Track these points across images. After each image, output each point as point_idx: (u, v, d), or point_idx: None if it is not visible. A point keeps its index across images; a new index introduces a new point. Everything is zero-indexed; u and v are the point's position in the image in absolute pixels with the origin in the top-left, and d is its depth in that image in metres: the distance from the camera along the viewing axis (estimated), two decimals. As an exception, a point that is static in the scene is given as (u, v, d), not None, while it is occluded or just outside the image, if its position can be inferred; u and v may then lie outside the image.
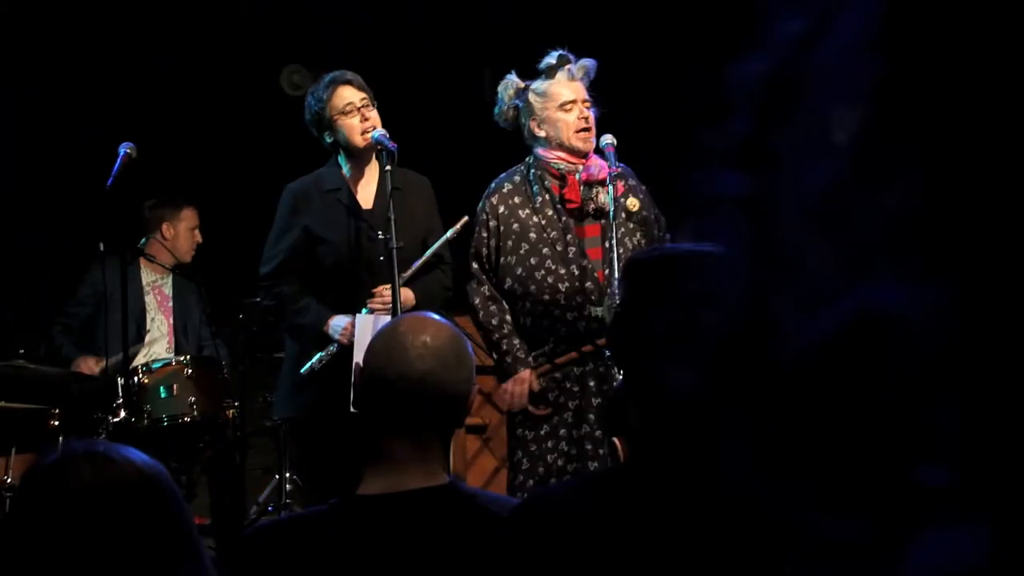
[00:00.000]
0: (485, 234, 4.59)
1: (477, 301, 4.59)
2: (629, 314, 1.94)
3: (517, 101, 4.59)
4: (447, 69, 7.25)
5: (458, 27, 7.19)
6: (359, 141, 4.59)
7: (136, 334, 5.98)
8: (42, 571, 1.70)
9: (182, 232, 6.26)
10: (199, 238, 6.32)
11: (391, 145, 4.49)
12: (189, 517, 1.82)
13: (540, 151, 4.58)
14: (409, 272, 4.54)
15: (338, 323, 4.54)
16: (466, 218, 4.67)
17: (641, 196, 4.59)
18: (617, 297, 4.21)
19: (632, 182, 4.61)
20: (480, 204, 4.65)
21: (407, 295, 4.51)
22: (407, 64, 6.35)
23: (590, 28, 5.20)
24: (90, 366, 5.90)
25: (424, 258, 4.61)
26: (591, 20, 6.44)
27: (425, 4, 7.09)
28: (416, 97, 5.02)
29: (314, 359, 4.53)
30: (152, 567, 1.73)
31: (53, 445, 5.52)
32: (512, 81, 4.61)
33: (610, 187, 4.39)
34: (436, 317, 2.29)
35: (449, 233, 4.66)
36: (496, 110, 4.65)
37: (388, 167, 4.48)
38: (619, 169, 4.45)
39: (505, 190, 4.60)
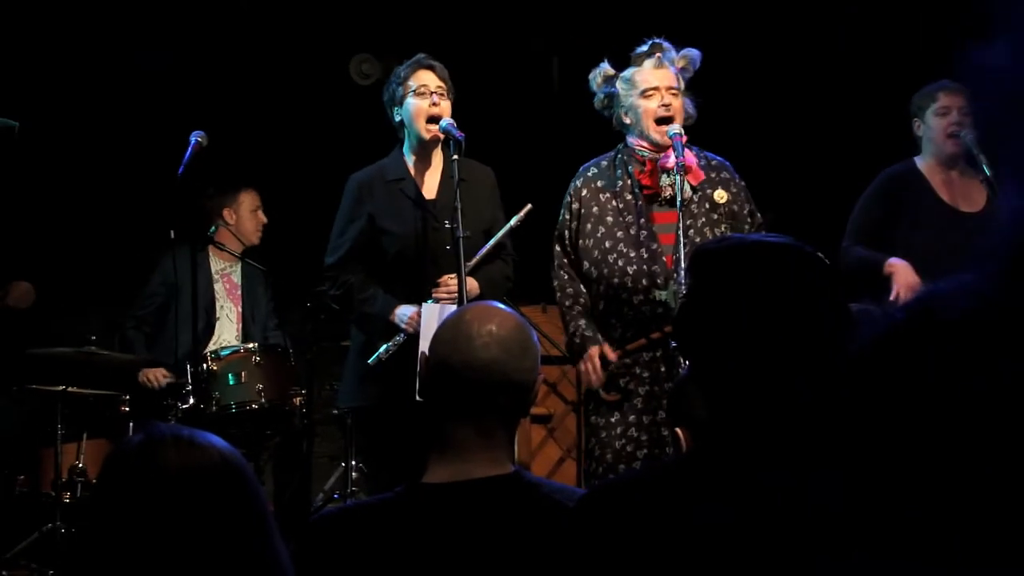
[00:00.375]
0: (568, 216, 4.66)
1: (556, 283, 4.67)
2: (695, 304, 1.92)
3: (607, 89, 4.61)
4: (516, 57, 7.24)
5: (527, 16, 7.17)
6: (421, 124, 4.61)
7: (206, 323, 6.04)
8: (125, 550, 1.72)
9: (244, 215, 6.30)
10: (263, 219, 6.36)
11: (458, 135, 4.50)
12: (264, 502, 1.84)
13: (629, 138, 4.62)
14: (474, 261, 4.54)
15: (404, 312, 4.56)
16: (529, 206, 4.68)
17: (733, 190, 4.58)
18: (683, 284, 4.20)
19: (725, 175, 4.61)
20: (568, 187, 4.69)
21: (471, 284, 4.52)
22: (476, 53, 6.35)
23: (676, 20, 5.15)
24: (157, 377, 5.93)
25: (488, 246, 4.62)
26: (676, 12, 6.40)
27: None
28: (484, 86, 5.01)
29: (381, 349, 4.55)
30: (230, 549, 1.74)
31: (125, 431, 5.63)
32: (603, 69, 4.64)
33: (676, 176, 4.38)
34: (501, 306, 2.29)
35: (513, 221, 4.67)
36: (595, 99, 4.68)
37: (455, 156, 4.49)
38: (683, 159, 4.42)
39: (590, 174, 4.66)
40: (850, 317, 1.86)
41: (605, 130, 4.78)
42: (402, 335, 4.54)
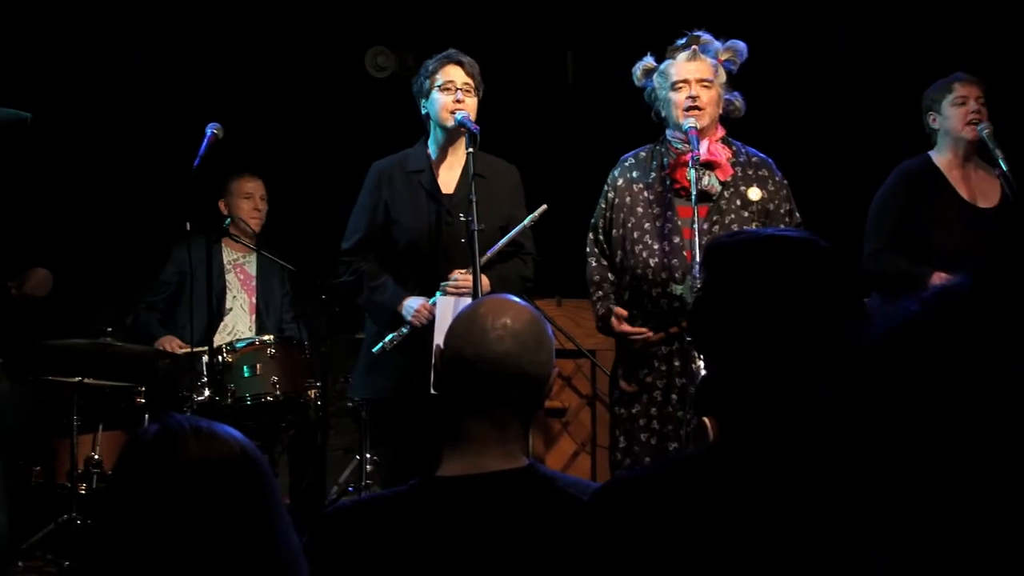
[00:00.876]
0: (604, 205, 4.69)
1: (587, 270, 4.71)
2: (709, 298, 1.92)
3: (647, 82, 4.62)
4: (530, 51, 7.23)
5: (542, 10, 7.17)
6: (446, 116, 4.61)
7: (216, 311, 6.05)
8: (142, 541, 1.73)
9: (234, 203, 6.27)
10: (259, 205, 6.32)
11: (473, 127, 4.51)
12: (279, 494, 1.85)
13: (667, 131, 4.63)
14: (485, 257, 4.52)
15: (411, 304, 4.57)
16: (544, 207, 4.67)
17: (771, 188, 4.56)
18: (698, 279, 4.20)
19: (764, 172, 4.59)
20: (607, 177, 4.71)
21: (483, 281, 4.51)
22: (490, 46, 6.33)
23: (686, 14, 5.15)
24: (174, 346, 5.97)
25: (501, 244, 4.61)
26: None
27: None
28: (499, 80, 5.00)
29: (386, 339, 4.57)
30: (245, 541, 1.75)
31: (141, 423, 5.64)
32: (644, 62, 4.65)
33: (691, 169, 4.37)
34: (516, 299, 2.29)
35: (527, 220, 4.66)
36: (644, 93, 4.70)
37: (471, 149, 4.50)
38: (698, 152, 4.41)
39: (627, 163, 4.68)
40: (864, 312, 1.86)
41: (619, 125, 4.78)
42: (407, 327, 4.55)
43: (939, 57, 6.03)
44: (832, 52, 6.80)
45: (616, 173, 4.67)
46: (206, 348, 5.54)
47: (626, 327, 4.50)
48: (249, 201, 6.29)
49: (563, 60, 7.36)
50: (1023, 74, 5.98)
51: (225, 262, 6.25)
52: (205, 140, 4.91)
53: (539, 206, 4.67)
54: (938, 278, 4.82)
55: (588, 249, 4.72)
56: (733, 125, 4.68)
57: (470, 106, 4.62)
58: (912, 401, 0.96)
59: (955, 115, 5.08)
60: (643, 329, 4.49)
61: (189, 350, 5.70)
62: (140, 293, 6.25)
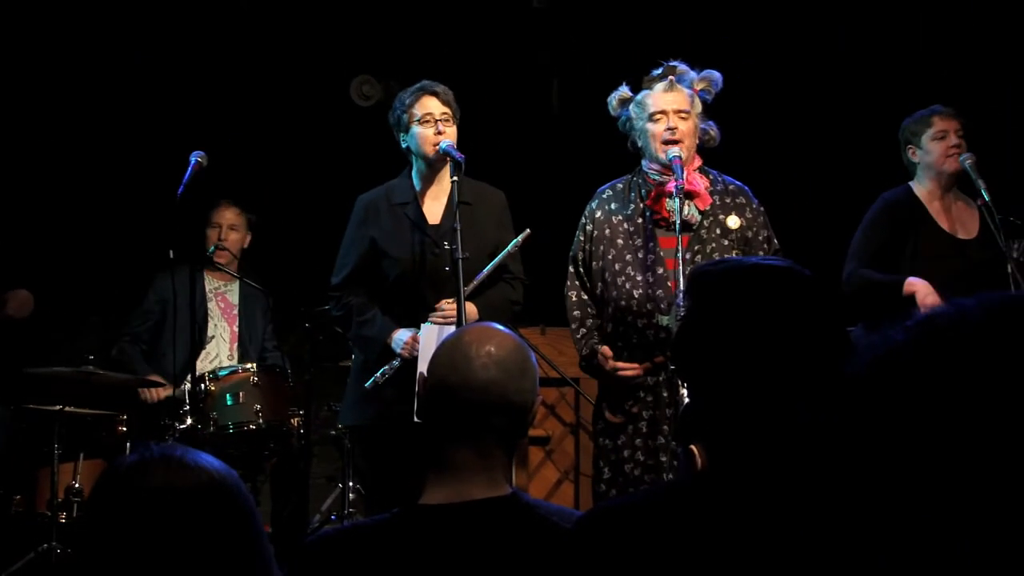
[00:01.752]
0: (582, 238, 4.68)
1: (566, 303, 4.69)
2: (692, 327, 1.92)
3: (623, 112, 4.61)
4: (516, 79, 7.25)
5: (528, 38, 7.19)
6: (429, 150, 4.62)
7: (197, 340, 6.04)
8: (116, 570, 1.72)
9: (209, 233, 6.28)
10: (243, 234, 6.32)
11: (458, 156, 4.52)
12: (259, 523, 1.83)
13: (643, 161, 4.62)
14: (472, 285, 4.53)
15: (400, 337, 4.57)
16: (528, 231, 4.68)
17: (748, 216, 4.57)
18: (682, 308, 4.20)
19: (741, 200, 4.60)
20: (584, 209, 4.71)
21: (470, 309, 4.51)
22: (476, 74, 6.36)
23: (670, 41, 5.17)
24: (158, 395, 5.94)
25: (487, 271, 4.61)
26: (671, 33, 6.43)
27: (494, 16, 7.11)
28: (484, 107, 5.02)
29: (377, 373, 4.56)
30: (221, 570, 1.74)
31: (122, 451, 5.62)
32: (619, 92, 4.65)
33: (675, 199, 4.38)
34: (500, 327, 2.29)
35: (510, 246, 4.66)
36: (618, 122, 4.69)
37: (455, 177, 4.50)
38: (682, 182, 4.42)
39: (605, 196, 4.67)
40: (848, 341, 1.86)
41: (604, 153, 4.79)
42: (398, 360, 4.55)
43: (913, 87, 6.08)
44: (807, 78, 6.84)
45: (594, 205, 4.67)
46: (188, 385, 5.51)
47: (616, 364, 4.48)
48: (231, 232, 6.28)
49: (548, 88, 7.38)
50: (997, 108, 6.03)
51: (207, 290, 6.24)
52: (189, 168, 4.91)
53: (521, 230, 4.68)
54: (910, 286, 4.88)
55: (569, 283, 4.69)
56: (708, 153, 4.69)
57: (451, 135, 4.62)
58: (898, 431, 0.96)
59: (936, 149, 5.12)
60: (634, 365, 4.47)
61: (171, 393, 5.71)
62: (123, 324, 6.23)
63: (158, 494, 1.74)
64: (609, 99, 4.66)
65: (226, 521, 1.77)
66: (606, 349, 4.50)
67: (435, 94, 4.66)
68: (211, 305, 6.25)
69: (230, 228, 6.29)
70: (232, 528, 1.77)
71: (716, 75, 4.61)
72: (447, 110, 4.65)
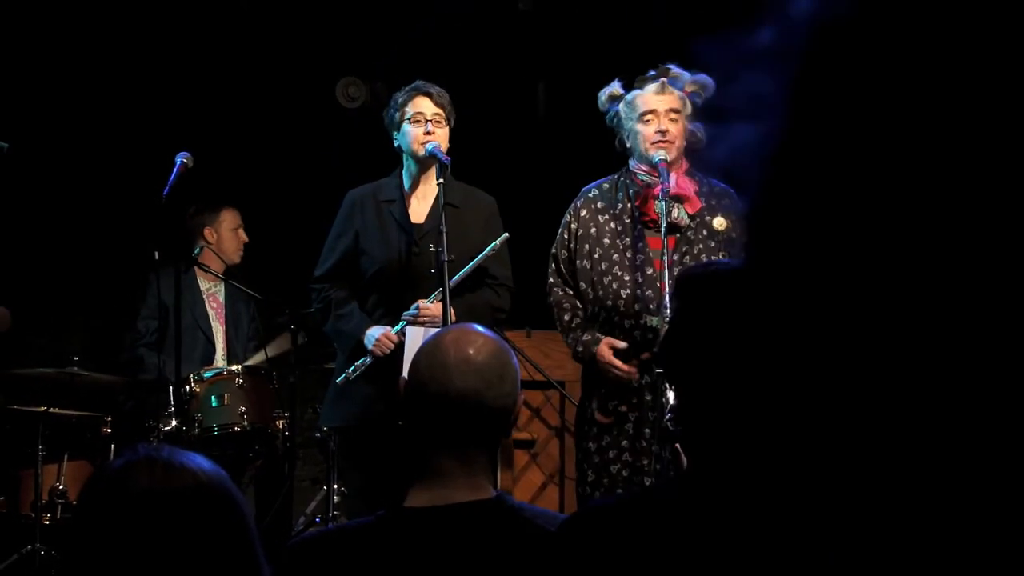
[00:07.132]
0: (566, 236, 4.67)
1: (551, 299, 4.69)
2: (679, 329, 1.92)
3: (611, 107, 4.61)
4: (502, 82, 7.25)
5: (514, 41, 7.19)
6: (417, 149, 4.64)
7: (206, 340, 6.06)
8: (103, 570, 1.71)
9: (224, 234, 6.27)
10: (244, 238, 6.33)
11: (444, 158, 4.53)
12: (249, 525, 1.82)
13: (631, 161, 4.62)
14: (448, 285, 4.51)
15: (373, 334, 4.59)
16: (506, 235, 4.69)
17: (734, 218, 4.57)
18: (669, 310, 4.20)
19: (727, 202, 4.60)
20: (569, 207, 4.70)
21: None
22: (462, 77, 6.34)
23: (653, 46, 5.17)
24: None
25: (462, 274, 4.59)
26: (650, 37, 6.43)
27: (481, 17, 7.10)
28: (471, 110, 5.02)
29: (348, 369, 4.58)
30: (210, 570, 1.74)
31: (106, 453, 5.60)
32: (611, 88, 4.65)
33: (661, 202, 4.38)
34: (481, 330, 2.26)
35: (488, 250, 4.66)
36: (606, 116, 4.69)
37: (440, 180, 4.51)
38: (668, 185, 4.42)
39: (591, 195, 4.67)
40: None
41: (590, 156, 4.78)
42: (369, 356, 4.56)
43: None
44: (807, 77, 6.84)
45: (579, 203, 4.66)
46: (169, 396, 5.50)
47: (616, 362, 4.45)
48: (236, 235, 6.31)
49: (534, 91, 7.38)
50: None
51: (202, 291, 6.24)
52: (175, 169, 4.90)
53: (499, 235, 4.68)
54: None
55: (551, 279, 4.69)
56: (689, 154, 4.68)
57: (441, 136, 4.64)
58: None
59: None
60: (632, 369, 4.45)
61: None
62: (130, 330, 6.16)
63: (148, 496, 1.73)
64: (600, 94, 4.66)
65: (216, 522, 1.77)
66: (618, 342, 4.47)
67: (429, 95, 4.69)
68: (206, 306, 6.24)
69: (241, 228, 6.32)
70: (222, 529, 1.77)
71: (709, 80, 4.61)
72: (439, 111, 4.67)
